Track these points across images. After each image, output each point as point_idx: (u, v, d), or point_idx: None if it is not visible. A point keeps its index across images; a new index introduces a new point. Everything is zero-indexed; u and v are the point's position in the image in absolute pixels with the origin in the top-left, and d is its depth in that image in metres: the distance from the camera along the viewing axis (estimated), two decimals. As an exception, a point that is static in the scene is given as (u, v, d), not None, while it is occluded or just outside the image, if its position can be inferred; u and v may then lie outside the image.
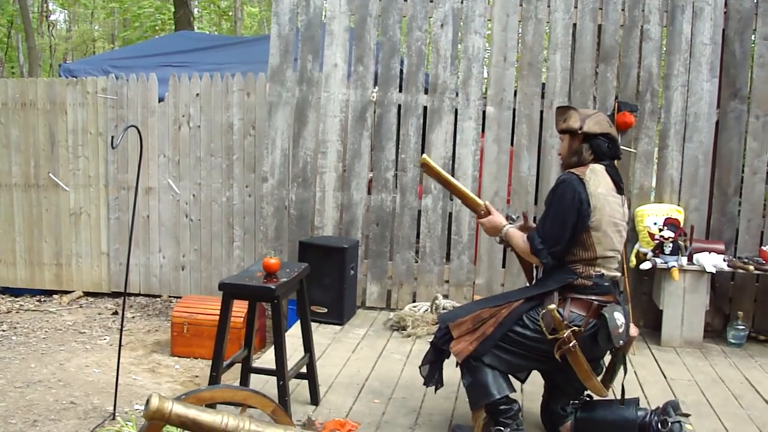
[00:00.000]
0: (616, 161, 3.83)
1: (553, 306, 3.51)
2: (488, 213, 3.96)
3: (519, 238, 3.80)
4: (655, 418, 3.69)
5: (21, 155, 8.06)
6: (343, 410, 4.26)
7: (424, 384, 3.90)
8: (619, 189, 3.72)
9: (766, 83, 6.22)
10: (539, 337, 3.56)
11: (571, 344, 3.49)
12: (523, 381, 3.99)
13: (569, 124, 3.72)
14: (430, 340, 3.89)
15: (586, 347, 3.55)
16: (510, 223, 3.94)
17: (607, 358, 3.86)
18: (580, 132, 3.68)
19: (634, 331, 3.73)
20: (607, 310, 3.53)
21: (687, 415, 3.76)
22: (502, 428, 3.63)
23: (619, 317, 3.53)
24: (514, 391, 3.69)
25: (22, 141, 8.04)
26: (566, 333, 3.48)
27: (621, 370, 3.81)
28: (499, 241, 3.95)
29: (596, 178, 3.61)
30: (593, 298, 3.59)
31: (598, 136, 3.69)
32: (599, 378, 3.74)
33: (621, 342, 3.55)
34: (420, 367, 3.94)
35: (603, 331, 3.51)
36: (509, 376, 3.72)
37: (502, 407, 3.62)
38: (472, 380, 3.64)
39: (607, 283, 3.64)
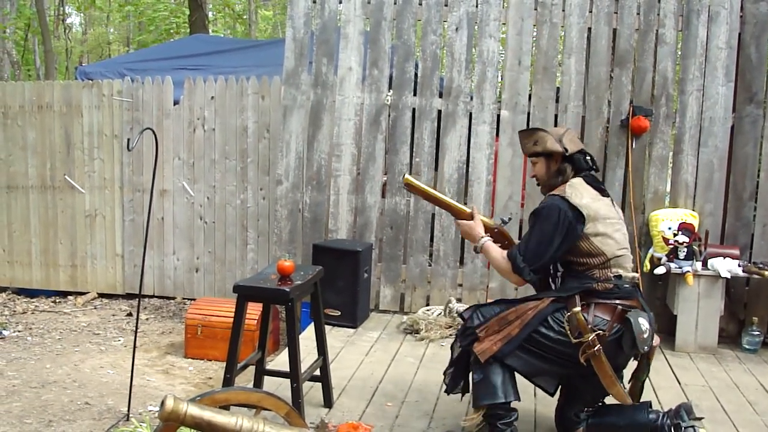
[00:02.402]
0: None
1: (578, 308, 3.52)
2: (471, 218, 3.97)
3: (498, 254, 3.80)
4: (668, 421, 3.68)
5: (37, 157, 8.12)
6: (357, 413, 4.26)
7: (446, 392, 3.90)
8: (603, 193, 3.76)
9: (782, 88, 6.20)
10: (563, 339, 3.56)
11: (595, 348, 3.49)
12: (552, 394, 3.96)
13: (547, 147, 3.76)
14: (458, 345, 3.85)
15: (611, 352, 3.55)
16: (501, 224, 3.98)
17: (631, 368, 3.84)
18: (566, 154, 3.73)
19: (656, 339, 3.70)
20: (632, 315, 3.53)
21: (700, 419, 3.74)
22: None
23: (644, 323, 3.53)
24: (519, 399, 3.68)
25: (38, 143, 8.10)
26: (591, 336, 3.49)
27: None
28: (474, 249, 3.96)
29: (576, 191, 3.65)
30: (617, 302, 3.58)
31: (575, 153, 3.76)
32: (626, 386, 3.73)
33: (646, 348, 3.53)
34: (444, 374, 3.93)
35: (628, 335, 3.51)
36: (517, 383, 3.70)
37: (500, 412, 3.64)
38: (483, 377, 3.64)
39: (627, 285, 3.64)
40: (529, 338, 3.60)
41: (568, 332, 3.53)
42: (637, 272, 3.78)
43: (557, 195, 3.67)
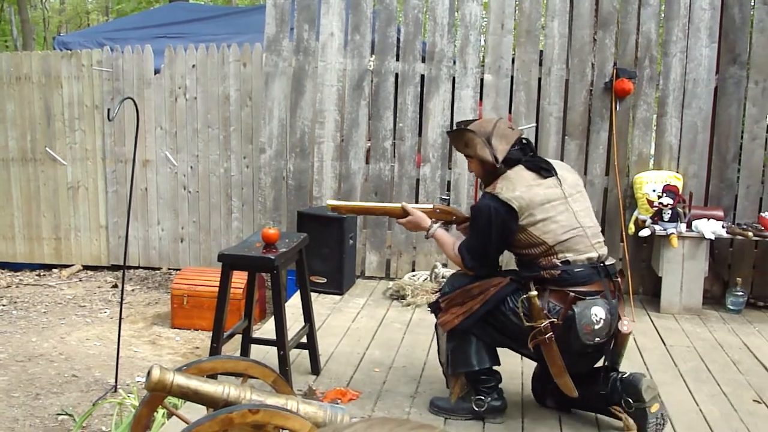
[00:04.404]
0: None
1: (534, 292, 3.36)
2: (407, 214, 3.83)
3: (449, 246, 3.71)
4: (619, 385, 3.51)
5: (17, 130, 8.02)
6: (344, 379, 4.27)
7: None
8: (544, 175, 3.53)
9: (766, 49, 6.17)
10: (518, 321, 3.45)
11: (546, 336, 3.36)
12: (536, 359, 3.94)
13: (478, 153, 3.56)
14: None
15: (563, 341, 3.38)
16: (443, 203, 3.93)
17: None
18: (497, 165, 3.54)
19: (628, 327, 3.47)
20: (580, 305, 3.36)
21: (646, 401, 3.43)
22: (482, 397, 3.65)
23: (597, 312, 3.34)
24: (498, 364, 3.66)
25: (17, 115, 8.00)
26: (544, 323, 3.35)
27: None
28: (426, 236, 3.86)
29: (509, 183, 3.48)
30: (570, 289, 3.39)
31: (509, 150, 3.57)
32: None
33: (596, 339, 3.35)
34: (440, 356, 3.90)
35: (573, 326, 3.33)
36: (496, 349, 3.66)
37: (482, 377, 3.64)
38: (456, 346, 3.63)
39: (580, 269, 3.43)
40: (489, 314, 3.53)
41: (522, 315, 3.41)
42: (597, 252, 3.51)
43: (488, 193, 3.53)
